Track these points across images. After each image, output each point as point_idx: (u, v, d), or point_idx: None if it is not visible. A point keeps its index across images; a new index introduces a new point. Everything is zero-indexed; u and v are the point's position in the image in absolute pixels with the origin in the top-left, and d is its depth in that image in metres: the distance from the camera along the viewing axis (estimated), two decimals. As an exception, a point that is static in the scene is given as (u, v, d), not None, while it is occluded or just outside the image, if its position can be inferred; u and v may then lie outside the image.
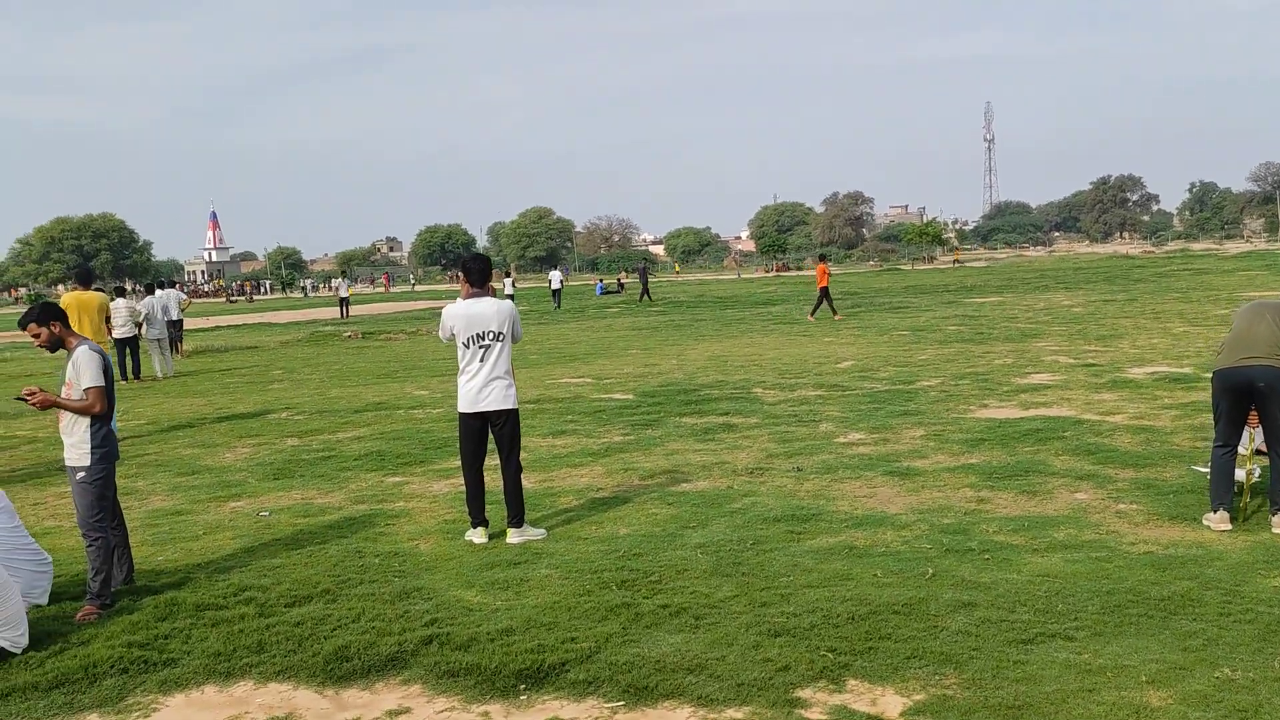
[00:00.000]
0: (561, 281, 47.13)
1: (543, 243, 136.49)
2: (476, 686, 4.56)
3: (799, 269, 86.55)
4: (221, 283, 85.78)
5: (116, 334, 18.97)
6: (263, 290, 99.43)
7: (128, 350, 19.16)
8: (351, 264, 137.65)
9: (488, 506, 7.05)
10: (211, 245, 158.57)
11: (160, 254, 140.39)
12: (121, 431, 12.43)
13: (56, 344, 5.95)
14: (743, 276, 74.82)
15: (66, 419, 5.87)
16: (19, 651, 5.06)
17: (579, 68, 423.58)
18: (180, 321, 23.27)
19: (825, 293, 26.70)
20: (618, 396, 13.69)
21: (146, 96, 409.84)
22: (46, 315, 5.91)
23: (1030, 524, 6.62)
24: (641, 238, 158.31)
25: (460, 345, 6.87)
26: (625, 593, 5.65)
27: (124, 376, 18.74)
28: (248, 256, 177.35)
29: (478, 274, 6.93)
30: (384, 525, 7.52)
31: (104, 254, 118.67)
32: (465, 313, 6.83)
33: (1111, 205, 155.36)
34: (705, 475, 8.64)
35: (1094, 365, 14.13)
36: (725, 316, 29.57)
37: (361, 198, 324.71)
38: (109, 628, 5.40)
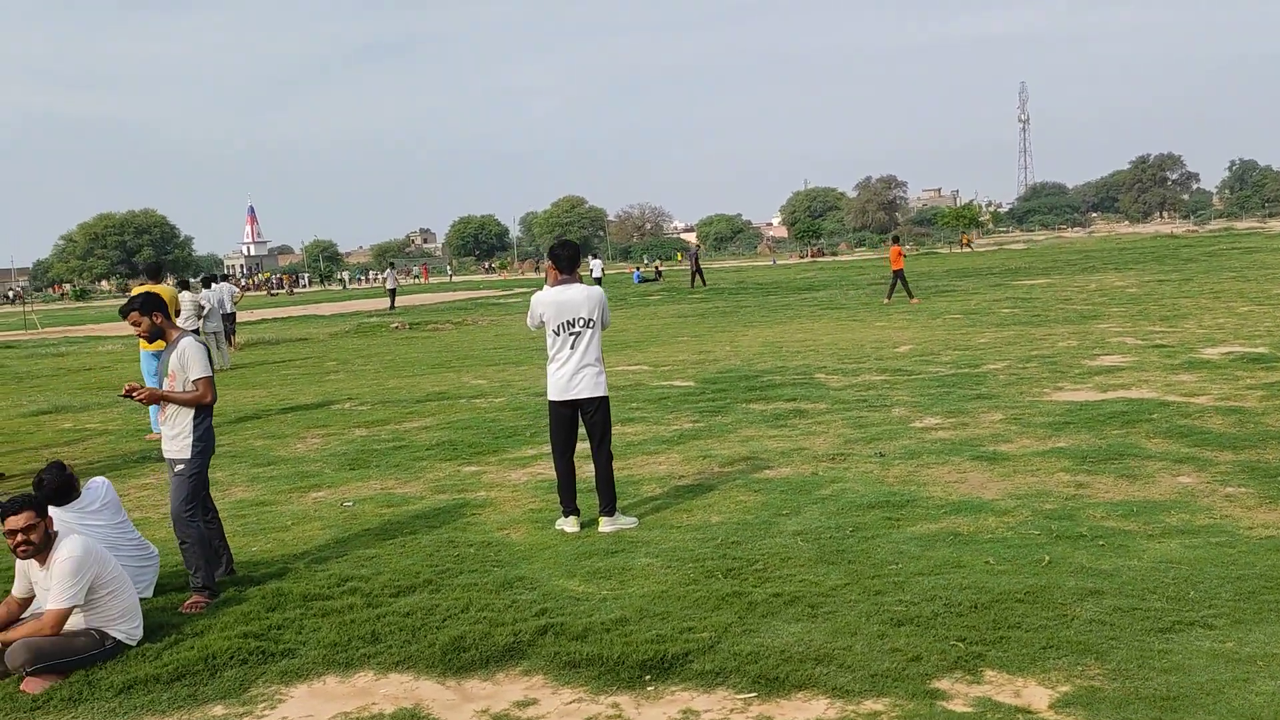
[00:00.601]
0: (602, 270, 47.99)
1: (575, 232, 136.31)
2: (600, 677, 4.49)
3: (834, 254, 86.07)
4: (268, 275, 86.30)
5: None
6: (301, 283, 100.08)
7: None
8: (387, 256, 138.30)
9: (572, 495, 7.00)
10: (250, 239, 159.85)
11: (200, 249, 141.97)
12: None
13: (156, 334, 5.94)
14: (778, 263, 74.40)
15: (169, 411, 5.86)
16: (134, 644, 5.05)
17: (609, 54, 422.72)
18: (233, 314, 23.42)
19: (900, 275, 26.14)
20: (679, 384, 13.60)
21: (183, 90, 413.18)
22: (149, 305, 5.90)
23: (1138, 509, 6.47)
24: (673, 225, 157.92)
25: (550, 333, 6.80)
26: (733, 581, 5.56)
27: None
28: (285, 250, 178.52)
29: (567, 260, 6.85)
30: (471, 515, 7.48)
31: (146, 250, 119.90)
32: (555, 299, 6.76)
33: (1151, 185, 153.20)
34: (786, 462, 8.54)
35: (1164, 346, 13.87)
36: (770, 303, 29.39)
37: (395, 190, 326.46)
38: (221, 619, 5.39)
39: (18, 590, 5.09)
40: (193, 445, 5.84)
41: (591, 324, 6.79)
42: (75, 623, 4.89)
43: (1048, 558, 5.60)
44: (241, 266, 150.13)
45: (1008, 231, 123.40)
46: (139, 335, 5.98)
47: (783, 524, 6.66)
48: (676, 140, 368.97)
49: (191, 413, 5.84)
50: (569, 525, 6.84)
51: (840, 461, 8.38)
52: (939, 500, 7.00)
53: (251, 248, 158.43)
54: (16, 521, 4.77)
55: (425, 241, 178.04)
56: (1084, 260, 41.18)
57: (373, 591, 5.72)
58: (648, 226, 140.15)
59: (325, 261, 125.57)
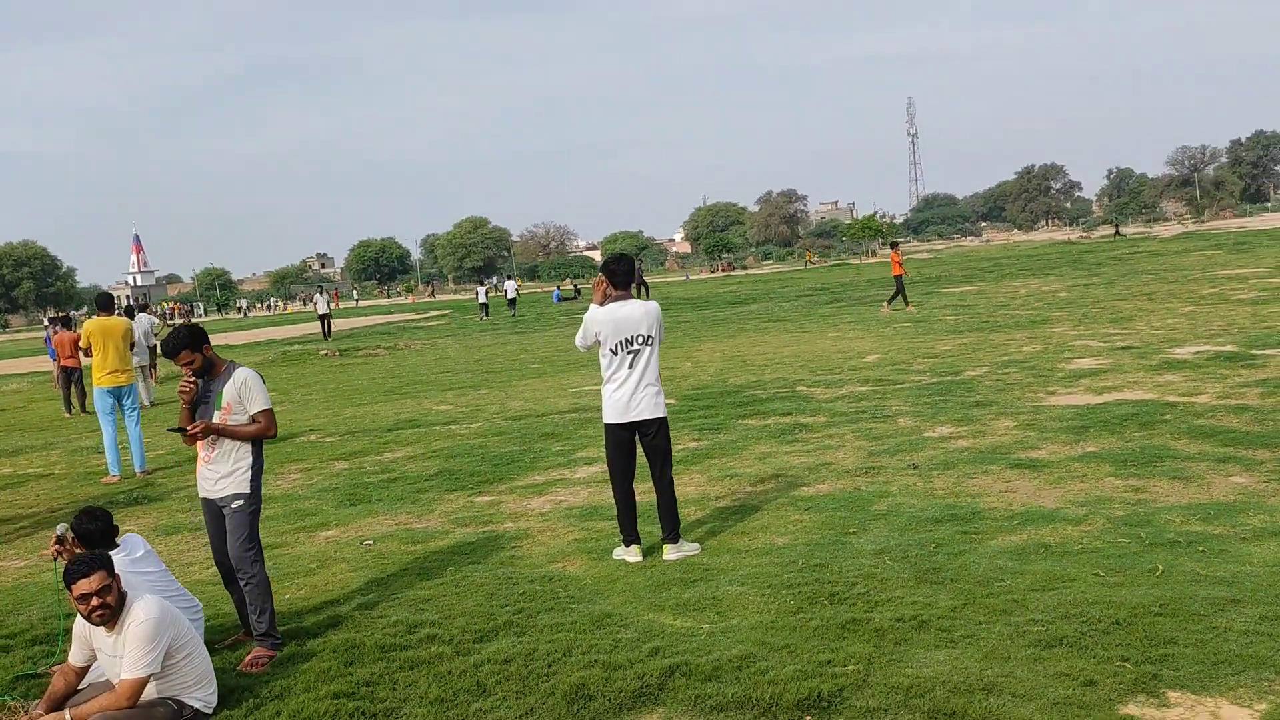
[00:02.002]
0: (516, 290, 48.08)
1: (479, 253, 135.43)
2: (757, 721, 4.15)
3: (744, 268, 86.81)
4: (163, 305, 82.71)
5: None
6: (196, 313, 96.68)
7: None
8: (285, 282, 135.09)
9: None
10: (135, 269, 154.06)
11: (84, 279, 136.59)
12: (150, 463, 11.74)
13: (207, 368, 5.42)
14: (691, 278, 74.68)
15: (223, 447, 5.34)
16: (211, 712, 4.53)
17: (508, 76, 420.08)
18: (154, 347, 22.29)
19: (900, 280, 25.36)
20: (658, 401, 13.25)
21: (63, 118, 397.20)
22: (199, 339, 5.37)
23: (1214, 512, 6.37)
24: (577, 243, 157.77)
25: (607, 352, 6.44)
26: (842, 608, 5.27)
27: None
28: (173, 279, 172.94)
29: (622, 275, 6.51)
30: (511, 548, 7.04)
31: (26, 283, 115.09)
32: (611, 317, 6.40)
33: (1036, 194, 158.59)
34: (818, 478, 8.29)
35: (1131, 348, 14.06)
36: (707, 317, 29.29)
37: (290, 214, 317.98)
38: (298, 678, 4.88)
39: (75, 658, 4.52)
40: (252, 480, 5.36)
41: (651, 341, 6.46)
42: (149, 691, 4.35)
43: (1160, 567, 5.44)
44: (127, 297, 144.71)
45: (907, 241, 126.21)
46: (189, 374, 5.42)
47: (855, 543, 6.40)
48: (577, 159, 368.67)
49: (250, 446, 5.36)
50: (631, 555, 6.47)
51: (875, 475, 8.17)
52: (1003, 511, 6.82)
53: (138, 277, 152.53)
54: (89, 584, 4.22)
55: (323, 266, 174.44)
56: (997, 267, 42.08)
57: (453, 638, 5.27)
58: (553, 245, 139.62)
59: (221, 290, 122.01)
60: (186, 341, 5.33)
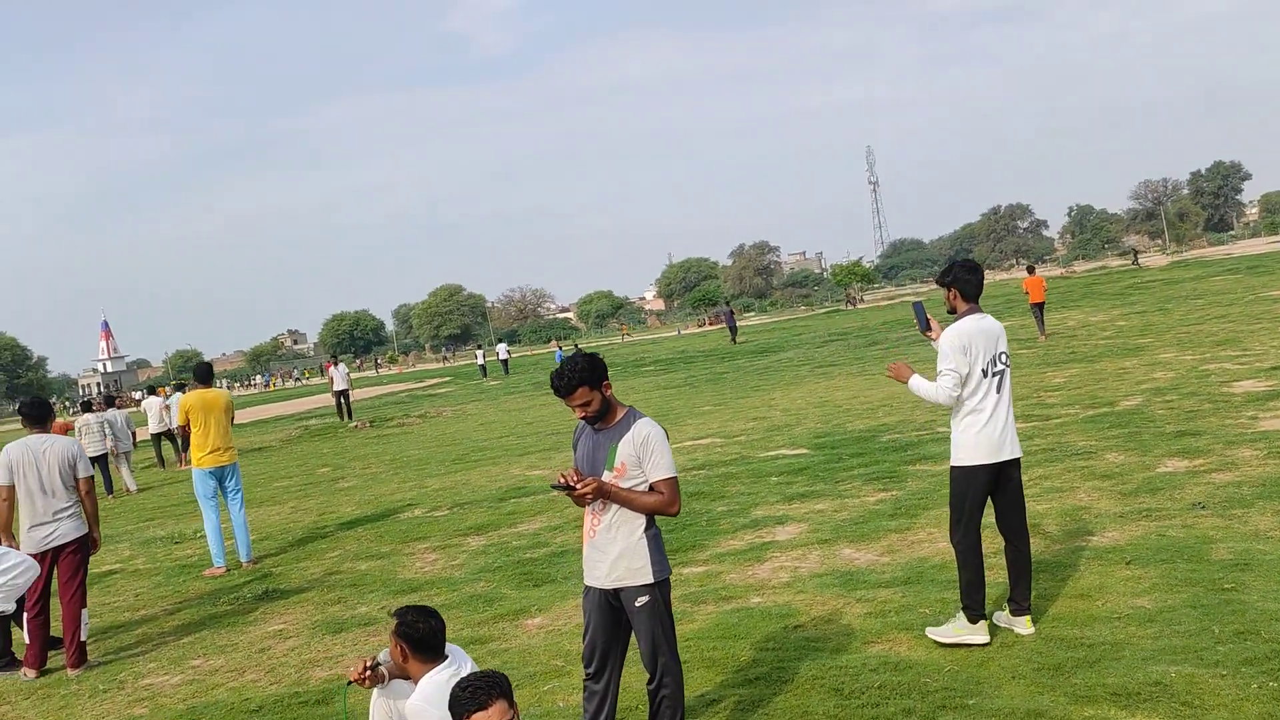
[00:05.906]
0: (508, 352, 48.89)
1: (456, 320, 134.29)
2: None
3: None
4: (164, 390, 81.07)
5: (92, 451, 17.04)
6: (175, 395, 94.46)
7: (95, 465, 17.45)
8: (261, 360, 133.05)
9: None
10: (105, 355, 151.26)
11: (54, 369, 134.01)
12: (255, 550, 10.42)
13: (603, 413, 4.23)
14: (683, 333, 73.87)
15: (609, 518, 4.18)
16: None
17: (466, 143, 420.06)
18: (134, 433, 20.92)
19: (1040, 308, 23.96)
20: (788, 452, 12.15)
21: (25, 206, 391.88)
22: (600, 374, 4.17)
23: None
24: (548, 305, 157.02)
25: (976, 374, 5.27)
26: (1355, 686, 4.13)
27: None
28: (143, 364, 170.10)
29: (975, 285, 5.43)
30: (793, 630, 5.87)
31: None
32: (981, 328, 5.30)
33: (1004, 234, 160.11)
34: (1093, 525, 7.18)
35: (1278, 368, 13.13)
36: (742, 366, 28.27)
37: (258, 291, 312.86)
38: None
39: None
40: (654, 567, 4.20)
41: (1009, 362, 5.40)
42: None
43: None
44: (97, 385, 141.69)
45: (883, 287, 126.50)
46: (583, 418, 4.24)
47: (1252, 601, 5.27)
48: (545, 221, 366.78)
49: (644, 521, 4.18)
50: (978, 636, 5.24)
51: (1164, 518, 7.06)
52: (1389, 551, 5.73)
53: (108, 364, 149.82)
54: (491, 718, 3.02)
55: (295, 343, 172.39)
56: (1011, 305, 41.47)
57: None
58: (529, 308, 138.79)
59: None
60: (584, 376, 4.13)
